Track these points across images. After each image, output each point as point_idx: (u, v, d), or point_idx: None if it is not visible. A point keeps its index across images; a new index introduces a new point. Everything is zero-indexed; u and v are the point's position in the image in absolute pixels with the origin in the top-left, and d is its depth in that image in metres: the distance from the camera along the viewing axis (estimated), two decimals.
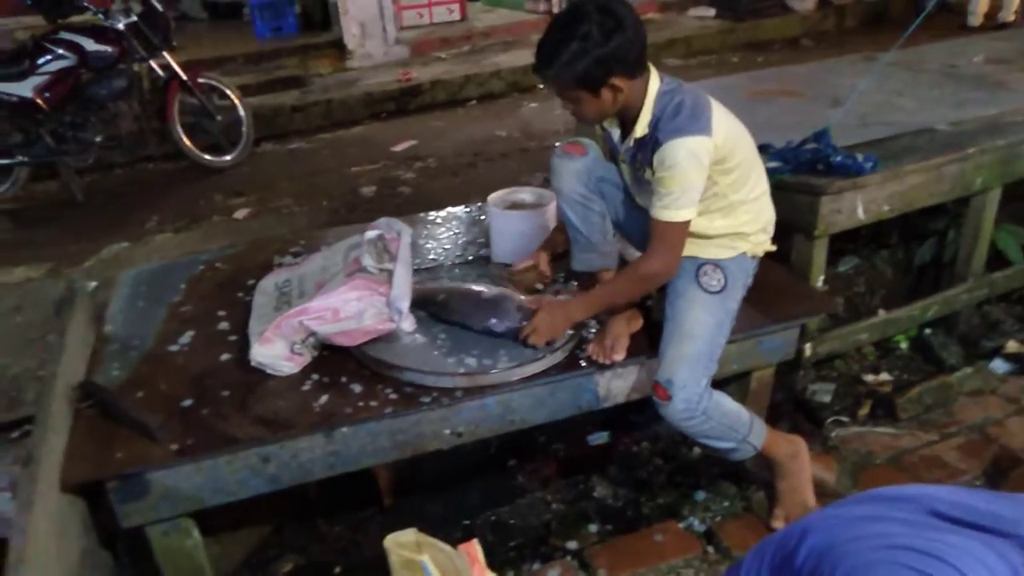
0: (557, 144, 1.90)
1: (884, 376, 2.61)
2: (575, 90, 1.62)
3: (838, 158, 2.24)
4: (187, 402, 1.72)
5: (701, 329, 1.73)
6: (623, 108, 1.68)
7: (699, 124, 1.61)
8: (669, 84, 1.68)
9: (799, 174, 2.28)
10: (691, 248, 1.79)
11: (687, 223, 1.67)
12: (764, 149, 2.40)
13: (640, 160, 1.72)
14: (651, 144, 1.65)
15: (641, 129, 1.67)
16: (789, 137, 2.43)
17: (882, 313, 2.67)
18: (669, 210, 1.64)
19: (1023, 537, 0.88)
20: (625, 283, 1.79)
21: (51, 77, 4.06)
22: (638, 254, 2.04)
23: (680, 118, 1.61)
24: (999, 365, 2.58)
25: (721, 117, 1.67)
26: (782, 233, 2.01)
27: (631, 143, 1.72)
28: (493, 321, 1.83)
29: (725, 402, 1.79)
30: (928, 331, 2.79)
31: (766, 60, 6.39)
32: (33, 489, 1.37)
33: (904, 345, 2.77)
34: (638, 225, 1.90)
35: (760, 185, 1.82)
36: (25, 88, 4.02)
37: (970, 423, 2.29)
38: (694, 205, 1.65)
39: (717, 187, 1.72)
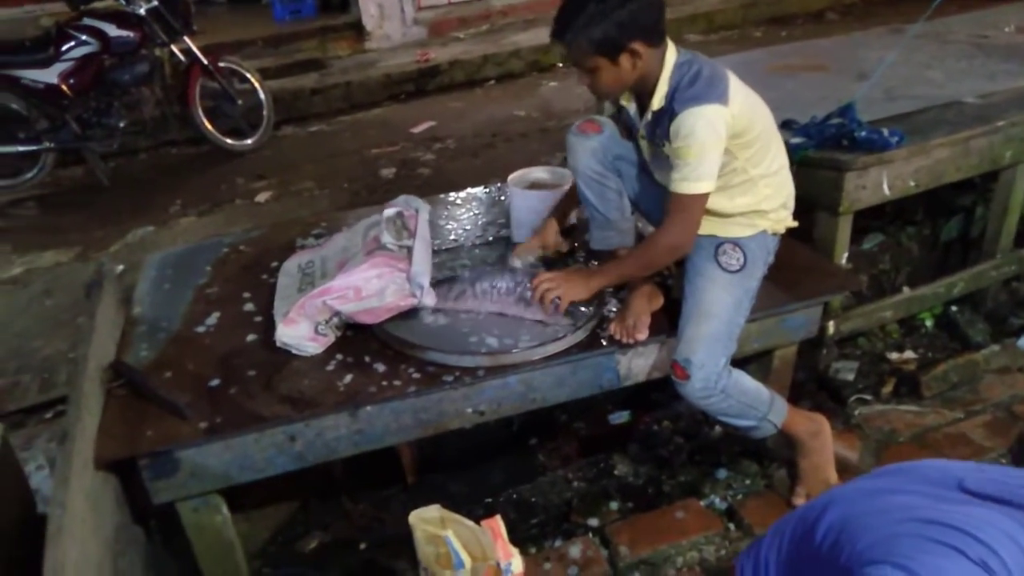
0: (577, 122, 1.90)
1: (908, 354, 2.59)
2: (594, 57, 1.60)
3: (863, 133, 2.20)
4: (214, 382, 1.75)
5: (719, 308, 1.73)
6: (640, 81, 1.66)
7: (716, 92, 1.59)
8: (685, 56, 1.66)
9: (823, 150, 2.24)
10: (710, 227, 1.78)
11: (705, 196, 1.64)
12: (788, 124, 2.37)
13: (659, 134, 1.70)
14: (668, 116, 1.63)
15: (658, 101, 1.65)
16: (813, 112, 2.39)
17: (907, 290, 2.64)
18: (687, 181, 1.62)
19: None
20: (642, 255, 1.77)
21: (75, 63, 4.11)
22: None
23: (697, 87, 1.59)
24: None
25: (738, 88, 1.65)
26: (805, 210, 1.99)
27: (649, 117, 1.70)
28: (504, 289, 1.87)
29: (744, 380, 1.79)
30: (954, 308, 2.75)
31: (790, 34, 6.28)
32: (69, 466, 1.41)
33: (929, 323, 2.74)
34: (656, 203, 1.89)
35: (779, 159, 1.79)
36: (51, 74, 4.08)
37: (996, 401, 2.26)
38: (712, 178, 1.63)
39: (736, 162, 1.70)
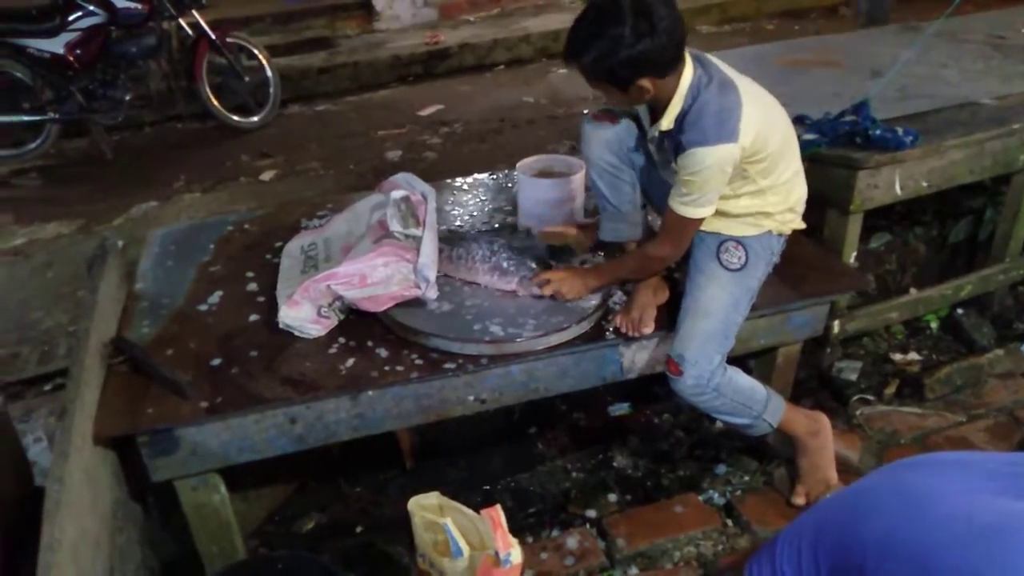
0: (587, 111, 1.87)
1: (912, 356, 2.58)
2: (602, 84, 1.60)
3: (877, 131, 2.18)
4: (216, 361, 1.75)
5: (716, 306, 1.72)
6: (653, 99, 1.64)
7: (725, 131, 1.55)
8: (699, 72, 1.60)
9: (836, 147, 2.22)
10: (714, 224, 1.76)
11: (702, 219, 1.68)
12: (800, 121, 2.35)
13: (666, 147, 1.70)
14: (676, 139, 1.62)
15: (668, 123, 1.62)
16: (827, 109, 2.36)
17: (913, 291, 2.62)
18: (687, 206, 1.65)
19: None
20: (635, 263, 1.86)
21: (82, 34, 4.07)
22: None
23: (705, 123, 1.55)
24: None
25: (752, 112, 1.58)
26: (816, 207, 1.97)
27: (656, 133, 1.69)
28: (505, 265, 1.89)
29: (739, 379, 1.78)
30: (960, 311, 2.74)
31: (803, 28, 6.22)
32: (68, 442, 1.41)
33: (934, 325, 2.73)
34: (665, 195, 1.87)
35: (792, 167, 1.76)
36: (57, 44, 4.03)
37: (999, 405, 2.26)
38: (712, 204, 1.66)
39: (747, 173, 1.68)
